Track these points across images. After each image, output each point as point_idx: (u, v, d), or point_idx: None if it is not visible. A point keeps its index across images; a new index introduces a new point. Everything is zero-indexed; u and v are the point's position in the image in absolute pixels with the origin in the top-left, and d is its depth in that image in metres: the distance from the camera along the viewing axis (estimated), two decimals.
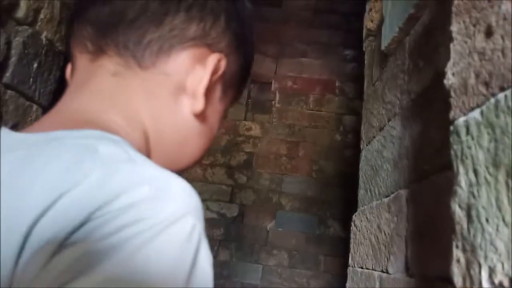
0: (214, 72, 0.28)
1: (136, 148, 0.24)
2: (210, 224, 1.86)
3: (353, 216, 1.03)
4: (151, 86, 0.27)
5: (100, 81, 0.27)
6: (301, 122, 2.00)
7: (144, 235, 0.18)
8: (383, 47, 0.92)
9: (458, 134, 0.29)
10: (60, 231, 0.17)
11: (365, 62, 1.31)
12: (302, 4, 2.08)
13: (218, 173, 1.97)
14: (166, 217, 0.18)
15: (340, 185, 1.95)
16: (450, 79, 0.31)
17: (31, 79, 0.81)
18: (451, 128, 0.30)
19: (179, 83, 0.27)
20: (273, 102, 2.05)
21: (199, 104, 0.28)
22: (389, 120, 0.85)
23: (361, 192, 1.07)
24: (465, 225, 0.26)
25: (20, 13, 0.77)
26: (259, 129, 2.00)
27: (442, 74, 0.33)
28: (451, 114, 0.31)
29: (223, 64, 0.29)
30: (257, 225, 1.88)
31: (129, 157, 0.21)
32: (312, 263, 1.81)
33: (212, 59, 0.28)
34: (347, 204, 1.67)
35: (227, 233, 1.87)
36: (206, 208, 1.93)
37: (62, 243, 0.17)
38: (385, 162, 0.83)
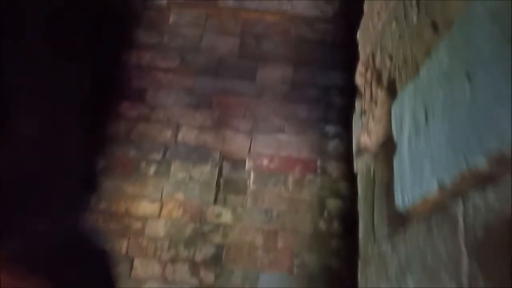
0: None
1: None
2: None
3: None
4: None
5: None
6: (279, 206, 1.72)
7: None
8: (399, 203, 0.67)
9: None
10: None
11: (358, 193, 1.03)
12: (277, 77, 1.94)
13: (180, 270, 1.61)
14: None
15: (326, 282, 1.62)
16: None
17: None
18: None
19: None
20: (248, 182, 1.79)
21: None
22: None
23: None
24: None
25: None
26: (231, 215, 1.70)
27: None
28: None
29: None
30: None
31: None
32: None
33: None
34: None
35: None
36: None
37: None
38: None
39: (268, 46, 1.96)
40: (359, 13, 1.82)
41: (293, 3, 1.93)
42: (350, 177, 1.78)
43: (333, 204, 1.74)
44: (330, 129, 1.87)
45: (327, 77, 1.95)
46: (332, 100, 1.92)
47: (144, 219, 1.66)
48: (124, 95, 1.64)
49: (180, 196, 1.70)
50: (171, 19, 1.99)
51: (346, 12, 1.90)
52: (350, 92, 1.95)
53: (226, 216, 1.69)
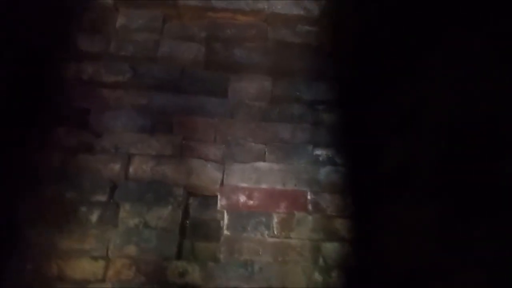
0: None
1: None
2: None
3: None
4: None
5: None
6: (262, 256, 1.34)
7: None
8: None
9: None
10: None
11: None
12: (253, 91, 1.58)
13: None
14: None
15: None
16: None
17: None
18: None
19: None
20: (221, 225, 1.41)
21: None
22: None
23: None
24: None
25: None
26: (199, 272, 1.31)
27: None
28: None
29: None
30: None
31: None
32: None
33: None
34: None
35: None
36: None
37: None
38: None
39: (240, 54, 1.61)
40: (350, 12, 1.49)
41: (271, 1, 1.59)
42: (349, 212, 1.44)
43: (330, 248, 1.38)
44: (320, 153, 1.53)
45: (313, 90, 1.61)
46: (320, 117, 1.59)
47: (84, 283, 1.24)
48: (59, 118, 1.19)
49: (131, 250, 1.29)
50: (119, 21, 1.61)
51: (334, 10, 1.57)
52: (341, 106, 1.62)
53: (194, 275, 1.29)
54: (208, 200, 1.46)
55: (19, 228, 1.26)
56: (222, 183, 1.44)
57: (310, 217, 1.41)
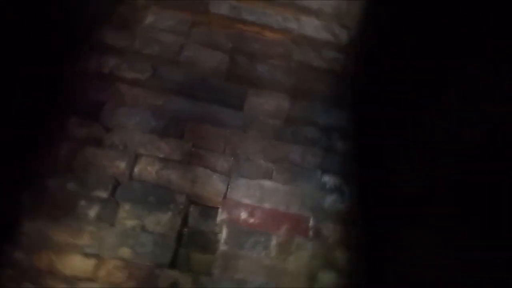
0: None
1: None
2: None
3: None
4: None
5: None
6: (257, 277, 1.31)
7: None
8: None
9: None
10: None
11: None
12: (270, 108, 1.56)
13: None
14: None
15: None
16: None
17: None
18: None
19: None
20: (219, 238, 1.38)
21: None
22: None
23: None
24: None
25: None
26: (191, 285, 1.28)
27: None
28: None
29: None
30: None
31: None
32: None
33: None
34: None
35: None
36: None
37: None
38: None
39: (263, 70, 1.60)
40: (378, 43, 1.49)
41: (301, 22, 1.59)
42: (350, 244, 1.41)
43: (326, 278, 1.35)
44: (328, 180, 1.50)
45: (330, 116, 1.59)
46: (333, 144, 1.57)
47: (73, 280, 1.21)
48: (72, 108, 1.16)
49: (125, 252, 1.27)
50: (148, 20, 1.60)
51: (363, 40, 1.57)
52: (355, 136, 1.61)
53: (185, 287, 1.26)
54: (209, 211, 1.43)
55: (17, 216, 1.24)
56: (225, 196, 1.42)
57: (310, 244, 1.38)
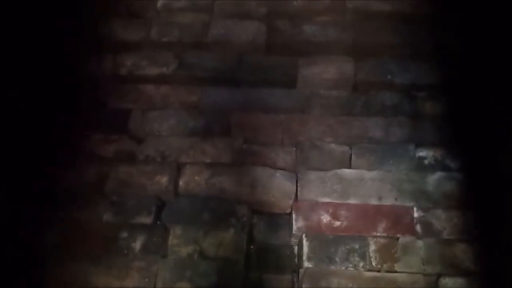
0: None
1: None
2: None
3: None
4: None
5: None
6: None
7: None
8: None
9: None
10: None
11: None
12: (330, 78, 1.25)
13: None
14: None
15: None
16: None
17: None
18: None
19: None
20: (297, 253, 1.08)
21: None
22: None
23: None
24: None
25: None
26: None
27: None
28: None
29: None
30: None
31: None
32: None
33: None
34: None
35: None
36: None
37: None
38: None
39: (311, 31, 1.30)
40: None
41: None
42: (474, 234, 1.05)
43: (451, 285, 1.00)
44: (426, 154, 1.16)
45: (410, 72, 1.25)
46: (421, 107, 1.23)
47: None
48: (93, 123, 0.92)
49: (185, 287, 0.99)
50: (160, 2, 1.35)
51: None
52: (448, 92, 1.24)
53: None
54: (277, 219, 1.14)
55: (44, 260, 1.01)
56: (296, 198, 1.11)
57: (420, 243, 1.04)
